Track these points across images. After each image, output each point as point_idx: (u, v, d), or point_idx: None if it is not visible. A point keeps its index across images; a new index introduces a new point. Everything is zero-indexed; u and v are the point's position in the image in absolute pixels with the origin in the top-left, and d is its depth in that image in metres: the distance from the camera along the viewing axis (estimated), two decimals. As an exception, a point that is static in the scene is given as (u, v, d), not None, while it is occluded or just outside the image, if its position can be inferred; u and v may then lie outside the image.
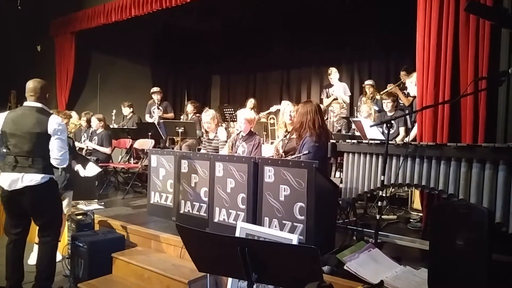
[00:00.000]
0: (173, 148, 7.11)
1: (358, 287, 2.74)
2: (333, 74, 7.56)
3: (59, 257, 4.04)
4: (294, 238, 3.03)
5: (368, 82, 7.37)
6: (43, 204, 3.50)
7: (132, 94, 9.27)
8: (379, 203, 3.66)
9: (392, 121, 3.47)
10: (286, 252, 2.00)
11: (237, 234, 3.24)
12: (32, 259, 4.34)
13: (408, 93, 6.08)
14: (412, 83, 4.58)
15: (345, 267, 2.95)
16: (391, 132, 3.37)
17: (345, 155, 3.62)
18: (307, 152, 3.81)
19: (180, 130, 6.30)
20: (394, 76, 7.63)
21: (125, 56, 9.61)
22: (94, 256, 3.85)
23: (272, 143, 6.80)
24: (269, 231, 3.27)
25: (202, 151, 5.62)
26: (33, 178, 3.37)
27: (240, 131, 4.81)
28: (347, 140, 3.69)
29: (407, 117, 5.69)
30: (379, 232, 3.48)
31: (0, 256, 3.67)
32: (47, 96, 3.59)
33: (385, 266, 3.00)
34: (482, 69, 3.32)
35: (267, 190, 3.56)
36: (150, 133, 6.67)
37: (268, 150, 5.15)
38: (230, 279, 3.21)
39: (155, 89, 8.45)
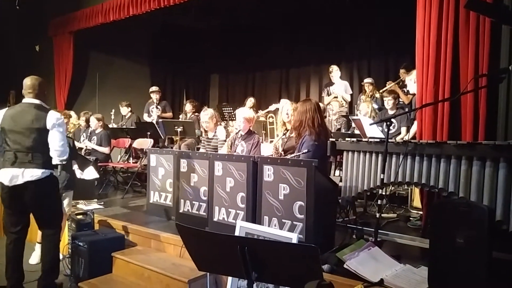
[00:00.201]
0: (172, 148, 7.10)
1: (358, 285, 2.73)
2: (334, 72, 7.54)
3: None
4: (293, 237, 3.02)
5: (368, 80, 7.36)
6: (44, 198, 3.53)
7: (131, 93, 9.26)
8: (379, 202, 3.65)
9: (392, 119, 3.46)
10: (286, 251, 1.99)
11: (236, 233, 3.23)
12: (33, 258, 4.36)
13: (407, 91, 6.07)
14: (411, 80, 4.58)
15: (345, 266, 2.95)
16: (392, 131, 3.37)
17: (344, 153, 3.61)
18: (306, 151, 3.81)
19: (179, 130, 6.29)
20: (394, 74, 7.62)
21: (123, 55, 9.60)
22: (94, 256, 3.86)
23: (271, 142, 6.79)
24: (269, 230, 3.26)
25: (201, 150, 5.61)
26: (34, 173, 3.40)
27: (239, 130, 4.80)
28: (347, 139, 3.68)
29: (408, 115, 5.67)
30: (379, 231, 3.47)
31: (0, 256, 3.67)
32: (45, 93, 3.62)
33: (385, 264, 2.99)
34: (483, 66, 3.31)
35: (266, 189, 3.55)
36: (149, 133, 6.67)
37: (267, 149, 5.14)
38: (230, 278, 3.20)
39: (153, 88, 8.43)
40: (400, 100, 6.47)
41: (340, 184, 3.65)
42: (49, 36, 8.88)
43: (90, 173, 4.31)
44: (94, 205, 5.24)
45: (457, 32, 3.49)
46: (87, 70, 9.10)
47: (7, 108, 3.57)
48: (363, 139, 3.61)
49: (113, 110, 8.45)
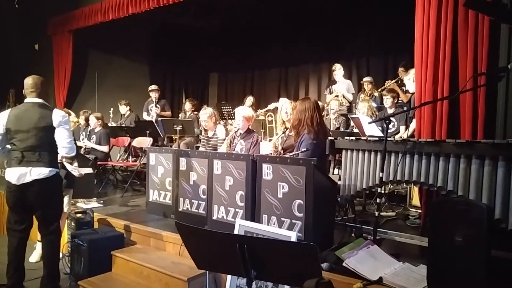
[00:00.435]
0: (171, 146, 7.10)
1: (357, 284, 2.73)
2: (337, 70, 7.49)
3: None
4: (292, 235, 3.02)
5: (367, 79, 7.36)
6: (50, 197, 3.57)
7: (130, 92, 9.26)
8: (378, 200, 3.65)
9: (391, 118, 3.46)
10: (285, 249, 2.00)
11: (235, 232, 3.24)
12: (33, 257, 4.36)
13: (407, 90, 6.08)
14: (410, 80, 4.58)
15: (343, 264, 2.95)
16: (391, 130, 3.37)
17: (343, 152, 3.61)
18: (305, 149, 3.81)
19: (178, 128, 6.29)
20: (393, 72, 7.63)
21: (122, 54, 9.60)
22: (93, 254, 3.87)
23: (270, 140, 6.79)
24: (268, 228, 3.27)
25: (201, 149, 5.61)
26: (42, 172, 3.44)
27: (238, 129, 4.80)
28: (346, 137, 3.68)
29: (406, 114, 5.66)
30: (378, 229, 3.47)
31: (1, 254, 3.67)
32: (47, 92, 3.67)
33: (384, 262, 3.00)
34: (481, 64, 3.31)
35: (265, 188, 3.56)
36: (148, 131, 6.67)
37: (266, 148, 5.14)
38: (229, 276, 3.21)
39: (153, 87, 8.43)
40: (399, 98, 6.47)
41: (339, 182, 3.65)
42: (49, 34, 8.86)
43: (83, 169, 4.32)
44: (93, 203, 5.25)
45: (456, 30, 3.49)
46: (86, 69, 9.09)
47: (10, 108, 3.59)
48: (362, 138, 3.61)
49: (112, 109, 8.45)
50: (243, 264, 1.94)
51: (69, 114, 6.05)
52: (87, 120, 7.30)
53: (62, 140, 3.50)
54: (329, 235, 3.53)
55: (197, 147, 6.42)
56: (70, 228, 4.32)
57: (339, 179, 3.66)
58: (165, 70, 10.83)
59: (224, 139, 5.19)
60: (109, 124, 7.93)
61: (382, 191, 4.41)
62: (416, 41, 3.75)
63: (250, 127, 4.88)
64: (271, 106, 7.84)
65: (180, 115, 8.94)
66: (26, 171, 3.41)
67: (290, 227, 3.35)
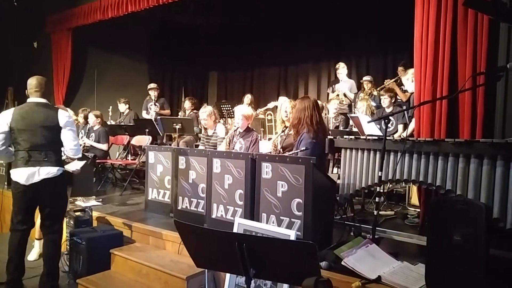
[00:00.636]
0: (170, 145, 7.10)
1: (356, 282, 2.74)
2: (341, 69, 7.47)
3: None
4: (291, 234, 3.03)
5: (366, 78, 7.35)
6: (58, 196, 3.64)
7: (129, 90, 9.24)
8: (377, 199, 3.66)
9: (390, 117, 3.46)
10: (284, 248, 2.00)
11: (235, 230, 3.24)
12: (32, 255, 4.37)
13: (406, 89, 6.08)
14: (408, 80, 4.59)
15: (342, 263, 2.95)
16: (390, 129, 3.37)
17: (342, 151, 3.61)
18: (304, 148, 3.81)
19: (177, 127, 6.29)
20: (392, 72, 7.62)
21: (122, 52, 9.57)
22: (92, 252, 3.87)
23: (269, 139, 6.79)
24: (267, 227, 3.28)
25: (201, 147, 5.61)
26: (50, 171, 3.49)
27: (238, 128, 4.80)
28: (345, 136, 3.68)
29: (405, 113, 5.67)
30: (377, 228, 3.47)
31: (1, 252, 3.68)
32: (49, 92, 3.78)
33: (383, 261, 3.00)
34: (480, 64, 3.31)
35: (264, 186, 3.56)
36: (147, 130, 6.66)
37: (265, 146, 5.14)
38: (228, 275, 3.21)
39: (152, 85, 8.42)
40: (398, 98, 6.48)
41: (338, 181, 3.66)
42: (47, 32, 8.85)
43: (78, 163, 4.30)
44: (92, 202, 5.24)
45: (455, 30, 3.49)
46: (85, 67, 9.07)
47: (13, 108, 3.60)
48: (361, 137, 3.62)
49: (111, 107, 8.44)
50: (242, 262, 1.94)
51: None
52: (86, 118, 7.29)
53: (69, 142, 3.57)
54: (328, 234, 3.53)
55: (197, 146, 6.42)
56: (69, 226, 4.32)
57: (338, 178, 3.66)
58: (164, 69, 10.81)
59: (224, 138, 5.19)
60: (108, 122, 7.91)
61: (381, 190, 4.42)
62: (415, 40, 3.76)
63: (249, 126, 4.88)
64: (271, 105, 7.84)
65: (179, 113, 8.93)
66: (34, 170, 3.44)
67: (289, 226, 3.36)
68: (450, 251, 2.55)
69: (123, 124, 7.79)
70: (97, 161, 6.54)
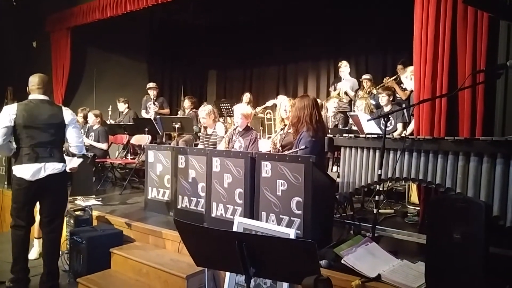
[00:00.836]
0: (169, 144, 7.10)
1: (355, 281, 2.74)
2: (343, 67, 7.43)
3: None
4: (291, 233, 3.03)
5: (366, 76, 7.34)
6: (60, 191, 3.69)
7: (129, 89, 9.23)
8: (376, 197, 3.67)
9: (390, 115, 3.46)
10: (284, 247, 2.00)
11: (234, 229, 3.24)
12: (32, 254, 4.36)
13: (405, 87, 6.08)
14: (407, 78, 4.58)
15: (342, 261, 2.95)
16: (389, 128, 3.37)
17: (342, 149, 3.61)
18: (304, 147, 3.81)
19: (176, 126, 6.28)
20: (392, 70, 7.62)
21: (121, 51, 9.56)
22: (92, 251, 3.87)
23: (269, 138, 6.79)
24: (267, 225, 3.28)
25: (200, 146, 5.60)
26: (55, 167, 3.53)
27: (237, 126, 4.79)
28: (344, 135, 3.68)
29: (404, 111, 5.66)
30: (376, 226, 3.48)
31: (0, 251, 3.68)
32: (50, 90, 3.80)
33: (382, 260, 3.00)
34: (480, 62, 3.31)
35: (264, 185, 3.56)
36: (146, 129, 6.65)
37: (265, 145, 5.14)
38: (228, 274, 3.21)
39: (151, 84, 8.41)
40: (398, 96, 6.47)
41: (338, 180, 3.66)
42: (46, 32, 8.83)
43: (76, 160, 4.30)
44: (92, 201, 5.24)
45: (454, 27, 3.49)
46: (84, 66, 9.06)
47: (17, 103, 3.59)
48: (361, 135, 3.62)
49: (111, 106, 8.43)
50: (242, 261, 1.94)
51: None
52: (85, 117, 7.27)
53: (74, 139, 3.65)
54: (328, 233, 3.53)
55: (196, 145, 6.42)
56: (68, 225, 4.32)
57: (338, 177, 3.66)
58: (163, 68, 10.80)
59: (223, 137, 5.19)
60: (108, 122, 7.91)
61: (381, 189, 4.42)
62: (415, 38, 3.75)
63: (248, 125, 4.88)
64: (270, 103, 7.84)
65: (179, 112, 8.93)
66: (40, 166, 3.46)
67: (289, 225, 3.36)
68: (449, 249, 2.55)
69: (122, 123, 7.79)
70: (97, 160, 6.53)
